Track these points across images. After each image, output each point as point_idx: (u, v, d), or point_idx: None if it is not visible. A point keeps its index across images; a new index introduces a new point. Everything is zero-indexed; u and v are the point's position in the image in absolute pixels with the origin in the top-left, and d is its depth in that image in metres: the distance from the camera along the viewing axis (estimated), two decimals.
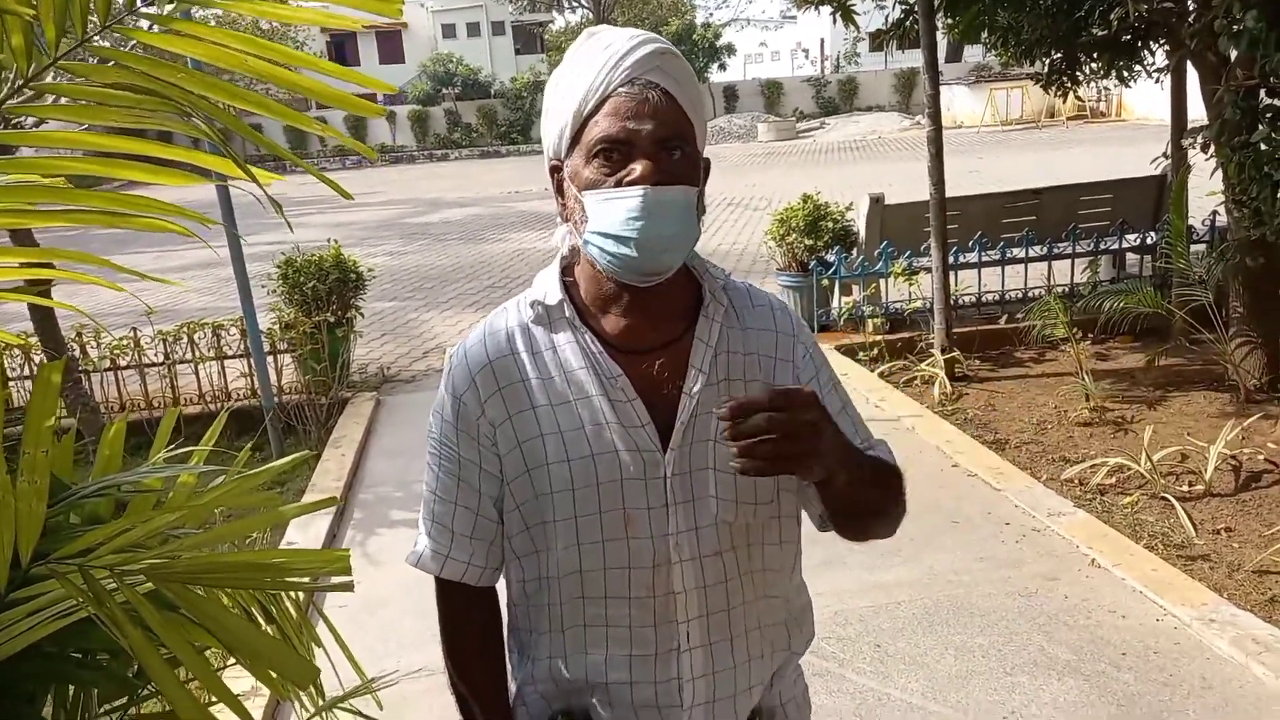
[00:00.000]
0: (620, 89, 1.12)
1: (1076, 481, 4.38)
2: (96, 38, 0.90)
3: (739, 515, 1.23)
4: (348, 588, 1.28)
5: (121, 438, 1.38)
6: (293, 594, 1.53)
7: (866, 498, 1.18)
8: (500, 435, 1.22)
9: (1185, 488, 4.21)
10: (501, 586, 1.33)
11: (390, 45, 44.13)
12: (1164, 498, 4.07)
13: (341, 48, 41.03)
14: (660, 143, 1.11)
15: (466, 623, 1.32)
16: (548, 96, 1.21)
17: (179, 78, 1.02)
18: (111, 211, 1.23)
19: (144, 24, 1.09)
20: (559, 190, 1.21)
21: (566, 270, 1.27)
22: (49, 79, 0.92)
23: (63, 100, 1.04)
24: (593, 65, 1.14)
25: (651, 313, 1.21)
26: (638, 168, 1.10)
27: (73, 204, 1.21)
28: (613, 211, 1.11)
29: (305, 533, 4.19)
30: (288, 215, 1.28)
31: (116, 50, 0.93)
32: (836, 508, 1.20)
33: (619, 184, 1.11)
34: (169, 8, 1.03)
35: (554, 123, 1.18)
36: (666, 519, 1.21)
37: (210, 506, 1.29)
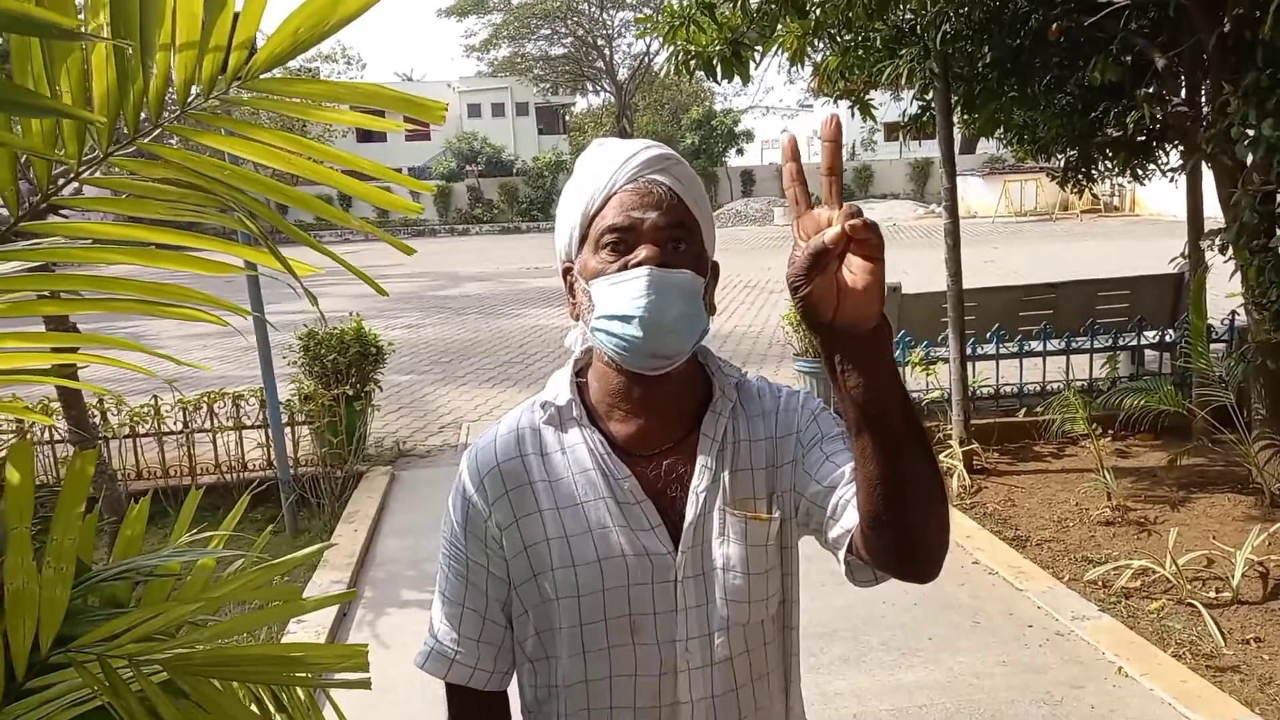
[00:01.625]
0: (625, 186, 1.15)
1: (1100, 583, 4.28)
2: (146, 136, 0.91)
3: (752, 614, 1.20)
4: (364, 685, 1.26)
5: (144, 520, 1.37)
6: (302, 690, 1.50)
7: (902, 427, 0.96)
8: (507, 539, 1.20)
9: (1212, 594, 4.10)
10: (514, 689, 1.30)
11: (418, 123, 45.23)
12: (1191, 604, 3.97)
13: (370, 129, 42.07)
14: (664, 230, 1.13)
15: None
16: (560, 206, 1.24)
17: (223, 173, 1.04)
18: (146, 300, 1.25)
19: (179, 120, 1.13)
20: (570, 290, 1.22)
21: (580, 372, 1.27)
22: (96, 172, 0.94)
23: (103, 193, 1.07)
24: (600, 170, 1.17)
25: (660, 412, 1.20)
26: (642, 251, 1.12)
27: (108, 291, 1.23)
28: (618, 294, 1.12)
29: (315, 612, 4.12)
30: (311, 286, 1.30)
31: (166, 147, 0.95)
32: (874, 440, 0.96)
33: (624, 268, 1.12)
34: (212, 103, 1.05)
35: (564, 226, 1.21)
36: (675, 624, 1.18)
37: (233, 596, 1.27)
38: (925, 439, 1.00)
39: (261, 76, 0.88)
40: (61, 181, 0.93)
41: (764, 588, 1.21)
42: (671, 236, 1.13)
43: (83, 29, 0.85)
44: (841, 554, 1.14)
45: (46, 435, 5.63)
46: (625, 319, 1.11)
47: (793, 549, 1.26)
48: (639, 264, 1.11)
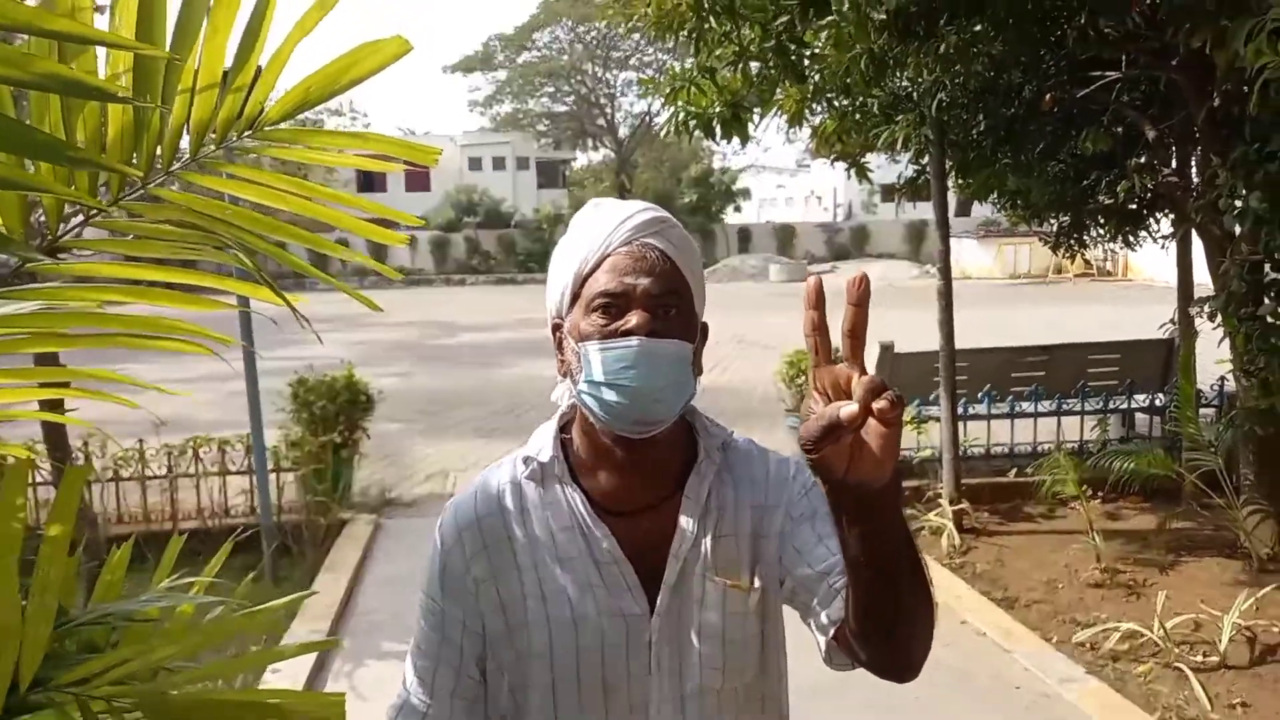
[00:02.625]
0: (620, 248, 1.15)
1: (1088, 646, 4.25)
2: (156, 181, 0.94)
3: (726, 681, 1.19)
4: None
5: (125, 564, 1.37)
6: None
7: (903, 565, 0.97)
8: (483, 594, 1.20)
9: (1199, 658, 4.07)
10: None
11: (418, 175, 45.81)
12: (1178, 668, 3.94)
13: (371, 175, 42.57)
14: (656, 298, 1.13)
15: None
16: (553, 261, 1.24)
17: (225, 214, 1.06)
18: (137, 334, 1.26)
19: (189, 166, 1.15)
20: (559, 347, 1.22)
21: (565, 428, 1.26)
22: (107, 215, 0.96)
23: (110, 234, 1.08)
24: (594, 230, 1.18)
25: (644, 471, 1.20)
26: (633, 318, 1.12)
27: (100, 327, 1.24)
28: (607, 360, 1.11)
29: (293, 661, 4.05)
30: (305, 332, 1.31)
31: (174, 192, 0.97)
32: (873, 574, 0.97)
33: (614, 334, 1.12)
34: (215, 150, 1.07)
35: (556, 283, 1.21)
36: (649, 688, 1.17)
37: (214, 639, 1.26)
38: (923, 573, 1.01)
39: (269, 128, 0.90)
40: (73, 223, 0.95)
41: (739, 656, 1.20)
42: (663, 303, 1.13)
43: (105, 84, 0.87)
44: (824, 640, 1.16)
45: (30, 477, 5.59)
46: (612, 386, 1.11)
47: (776, 621, 1.25)
48: (628, 331, 1.11)
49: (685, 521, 1.19)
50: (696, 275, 1.20)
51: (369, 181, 42.25)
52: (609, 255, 1.15)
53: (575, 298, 1.17)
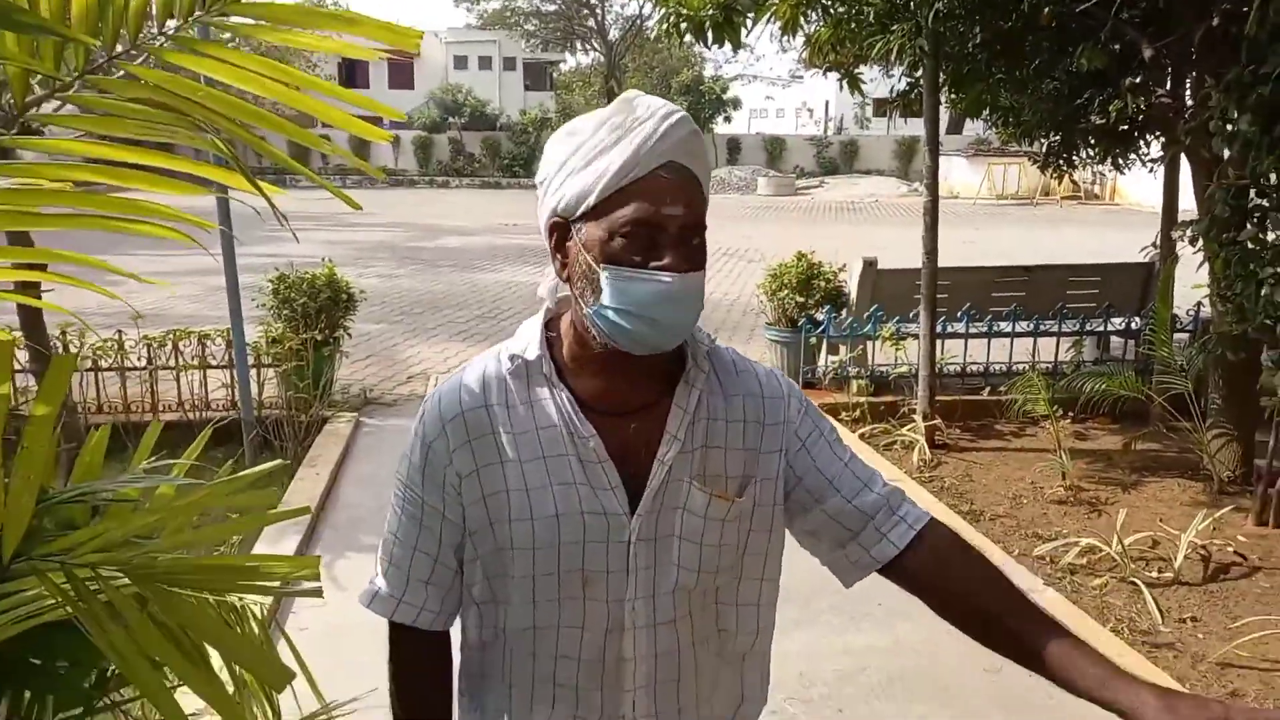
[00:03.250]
0: (659, 173, 1.10)
1: (1048, 559, 4.40)
2: (124, 55, 0.91)
3: (699, 582, 1.23)
4: (316, 593, 1.27)
5: (104, 446, 1.38)
6: (257, 612, 1.52)
7: None
8: (466, 486, 1.21)
9: (1154, 574, 4.22)
10: (456, 628, 1.32)
11: (401, 72, 44.60)
12: (1133, 582, 4.09)
13: (353, 70, 41.39)
14: (688, 229, 1.12)
15: (415, 666, 1.30)
16: (562, 150, 1.15)
17: (199, 95, 1.04)
18: (112, 216, 1.24)
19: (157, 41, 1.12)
20: (559, 248, 1.17)
21: (550, 324, 1.25)
22: (73, 89, 0.94)
23: (80, 111, 1.06)
24: (630, 139, 1.11)
25: (631, 375, 1.19)
26: (668, 256, 1.10)
27: (74, 208, 1.22)
28: (636, 292, 1.10)
29: (274, 549, 4.14)
30: (285, 230, 1.29)
31: (144, 68, 0.94)
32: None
33: (645, 265, 1.10)
34: (193, 31, 1.05)
35: (574, 183, 1.13)
36: (625, 584, 1.20)
37: (191, 509, 1.28)
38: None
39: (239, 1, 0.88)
40: (38, 95, 0.93)
41: (715, 559, 1.22)
42: (692, 234, 1.12)
43: None
44: (856, 571, 1.28)
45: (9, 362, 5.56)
46: (637, 316, 1.10)
47: (762, 531, 1.26)
48: (662, 267, 1.09)
49: (673, 428, 1.19)
50: (708, 188, 1.18)
51: (350, 78, 41.10)
52: (644, 177, 1.10)
53: (596, 209, 1.11)
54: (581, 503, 1.18)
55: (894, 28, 5.81)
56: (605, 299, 1.11)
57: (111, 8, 0.85)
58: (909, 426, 6.02)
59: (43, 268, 2.56)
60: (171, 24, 0.91)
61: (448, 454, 1.21)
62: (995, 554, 4.40)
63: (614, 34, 46.19)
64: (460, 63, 45.45)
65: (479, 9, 48.21)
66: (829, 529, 1.26)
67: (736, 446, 1.24)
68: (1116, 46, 5.46)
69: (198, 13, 0.89)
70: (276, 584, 1.20)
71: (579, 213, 1.13)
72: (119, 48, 0.91)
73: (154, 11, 0.90)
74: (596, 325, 1.13)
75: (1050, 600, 3.95)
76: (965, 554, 1.28)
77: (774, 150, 37.80)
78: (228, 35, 1.06)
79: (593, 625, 1.20)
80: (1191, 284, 6.08)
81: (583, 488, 1.18)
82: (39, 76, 0.94)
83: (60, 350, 5.73)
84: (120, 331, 6.00)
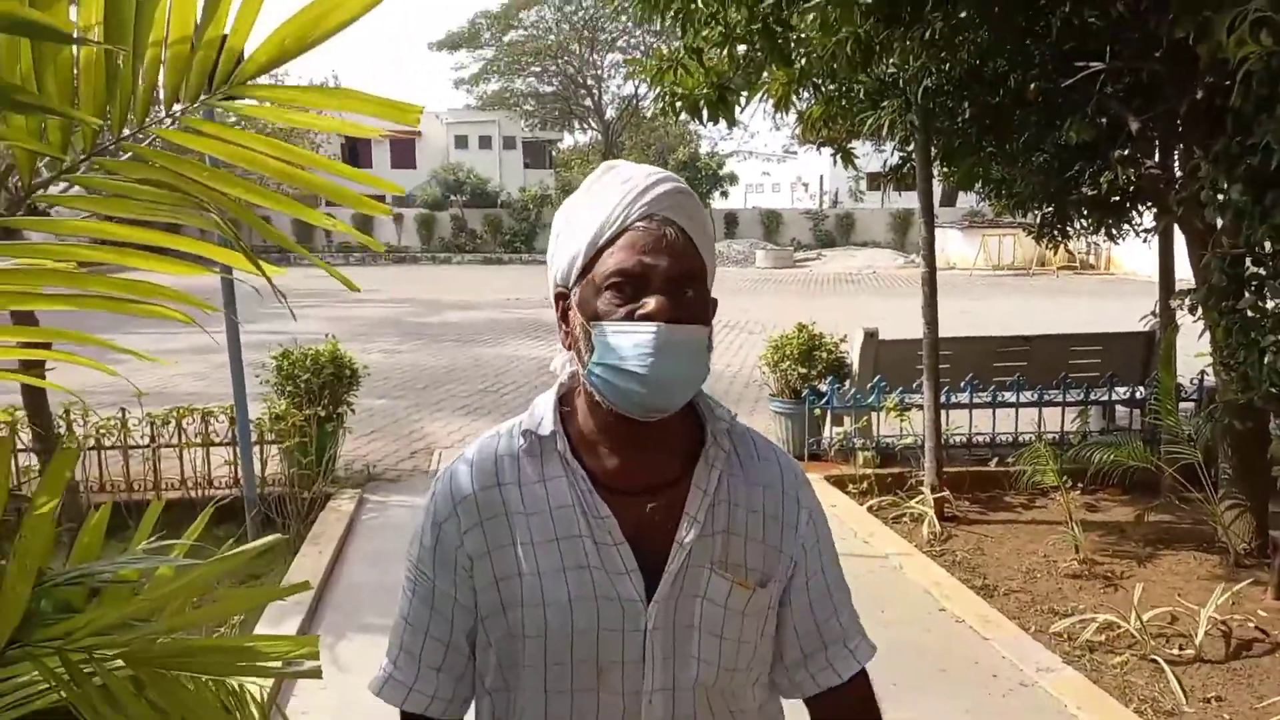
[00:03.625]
0: (638, 223, 1.10)
1: (1065, 636, 4.29)
2: (131, 137, 0.92)
3: (719, 679, 1.17)
4: (316, 674, 1.24)
5: (103, 526, 1.35)
6: (257, 695, 1.48)
7: None
8: (478, 569, 1.16)
9: (1175, 651, 4.12)
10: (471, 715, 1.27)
11: (404, 151, 45.51)
12: (1154, 660, 3.98)
13: (356, 150, 42.26)
14: (675, 280, 1.08)
15: None
16: (559, 223, 1.19)
17: (204, 175, 1.05)
18: (116, 297, 1.24)
19: (164, 123, 1.13)
20: (563, 317, 1.17)
21: (564, 399, 1.21)
22: (80, 171, 0.94)
23: (92, 191, 1.07)
24: (610, 198, 1.12)
25: (648, 450, 1.16)
26: (651, 302, 1.07)
27: (79, 288, 1.22)
28: (622, 345, 1.07)
29: (275, 630, 4.05)
30: (290, 307, 1.29)
31: (151, 149, 0.95)
32: None
33: (630, 316, 1.07)
34: (197, 112, 1.06)
35: (565, 250, 1.15)
36: (642, 675, 1.14)
37: (187, 591, 1.25)
38: None
39: (244, 84, 0.89)
40: (45, 178, 0.93)
41: (735, 657, 1.17)
42: (681, 285, 1.09)
43: (75, 33, 0.85)
44: (790, 687, 1.27)
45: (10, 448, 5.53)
46: (627, 374, 1.07)
47: (772, 638, 1.24)
48: (646, 315, 1.06)
49: (693, 509, 1.15)
50: (710, 250, 1.15)
51: (354, 158, 41.89)
52: (626, 230, 1.09)
53: (586, 270, 1.12)
54: (596, 588, 1.13)
55: (884, 103, 5.93)
56: (595, 356, 1.09)
57: (119, 90, 0.85)
58: (917, 499, 5.95)
59: (47, 346, 2.55)
60: (178, 106, 0.92)
61: (459, 535, 1.17)
62: (1010, 630, 4.30)
63: (611, 113, 47.33)
64: (461, 142, 46.41)
65: (479, 91, 49.51)
66: (790, 640, 1.25)
67: (757, 538, 1.20)
68: (1103, 120, 5.57)
69: (204, 95, 0.90)
70: (276, 665, 1.16)
71: (573, 278, 1.14)
72: (125, 130, 0.91)
73: (161, 94, 0.91)
74: (593, 386, 1.11)
75: (1070, 679, 3.84)
76: None
77: (771, 224, 38.31)
78: (234, 117, 1.07)
79: (607, 718, 1.15)
80: (1194, 352, 6.08)
81: (597, 572, 1.13)
82: (45, 158, 0.95)
83: (64, 429, 5.72)
84: (124, 409, 5.98)
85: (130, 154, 0.94)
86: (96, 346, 1.46)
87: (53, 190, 1.02)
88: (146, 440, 5.93)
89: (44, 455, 4.82)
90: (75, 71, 0.85)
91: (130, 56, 0.84)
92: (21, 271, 1.20)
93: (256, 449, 5.85)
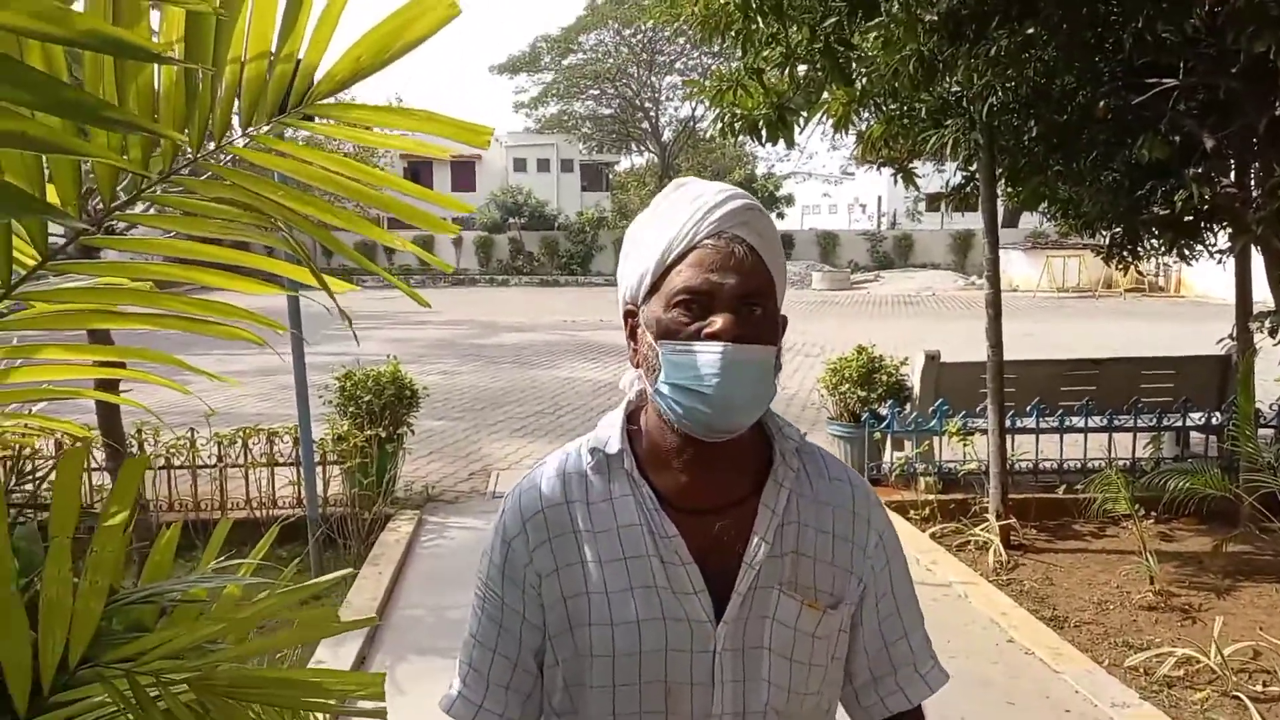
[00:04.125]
0: (706, 240, 1.09)
1: (1141, 670, 4.12)
2: (210, 156, 0.93)
3: (789, 704, 1.14)
4: (380, 714, 1.23)
5: (174, 545, 1.37)
6: (321, 718, 1.47)
7: None
8: (546, 587, 1.16)
9: (1259, 687, 3.93)
10: None
11: (464, 174, 46.33)
12: (1236, 696, 3.80)
13: (417, 173, 43.15)
14: (742, 298, 1.08)
15: None
16: (629, 241, 1.19)
17: (278, 194, 1.06)
18: (191, 317, 1.26)
19: (240, 141, 1.15)
20: (631, 335, 1.17)
21: (632, 417, 1.21)
22: (157, 191, 0.95)
23: (164, 210, 1.08)
24: (679, 216, 1.11)
25: (716, 470, 1.14)
26: (718, 321, 1.06)
27: (153, 307, 1.24)
28: (689, 365, 1.06)
29: (335, 653, 4.08)
30: (353, 329, 1.30)
31: (227, 169, 0.96)
32: None
33: (697, 335, 1.07)
34: (266, 128, 1.07)
35: (634, 268, 1.15)
36: (711, 698, 1.12)
37: (255, 620, 1.26)
38: None
39: (320, 102, 0.89)
40: (126, 197, 0.95)
41: (805, 681, 1.15)
42: (749, 303, 1.08)
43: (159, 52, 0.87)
44: (857, 710, 1.26)
45: (84, 462, 5.70)
46: (694, 392, 1.06)
47: (841, 661, 1.22)
48: (713, 334, 1.06)
49: (761, 529, 1.14)
50: (780, 268, 1.14)
51: (414, 180, 42.67)
52: (695, 247, 1.09)
53: (655, 288, 1.11)
54: (664, 608, 1.12)
55: (947, 123, 5.84)
56: (662, 375, 1.09)
57: (198, 108, 0.86)
58: (982, 526, 5.80)
59: (122, 365, 2.61)
60: (255, 125, 0.93)
61: (528, 552, 1.16)
62: (1083, 663, 4.15)
63: (668, 135, 47.59)
64: (519, 165, 47.10)
65: (537, 115, 50.25)
66: (853, 663, 1.23)
67: (826, 559, 1.18)
68: (1176, 138, 5.41)
69: (280, 114, 0.90)
70: (340, 703, 1.15)
71: (642, 295, 1.14)
72: (204, 149, 0.92)
73: (238, 113, 0.92)
74: (660, 405, 1.11)
75: (1149, 715, 3.68)
76: None
77: (827, 245, 38.04)
78: (305, 134, 1.08)
79: None
80: (1274, 377, 5.85)
81: (664, 592, 1.12)
82: (124, 181, 0.96)
83: (135, 448, 5.88)
84: (192, 430, 6.13)
85: (209, 173, 0.95)
86: (168, 366, 1.48)
87: (131, 210, 1.04)
88: (214, 460, 6.06)
89: (116, 474, 4.95)
90: (155, 90, 0.86)
91: (209, 75, 0.84)
92: (98, 290, 1.22)
93: (319, 469, 5.95)
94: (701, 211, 1.11)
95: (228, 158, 0.97)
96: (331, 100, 0.88)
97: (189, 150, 0.90)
